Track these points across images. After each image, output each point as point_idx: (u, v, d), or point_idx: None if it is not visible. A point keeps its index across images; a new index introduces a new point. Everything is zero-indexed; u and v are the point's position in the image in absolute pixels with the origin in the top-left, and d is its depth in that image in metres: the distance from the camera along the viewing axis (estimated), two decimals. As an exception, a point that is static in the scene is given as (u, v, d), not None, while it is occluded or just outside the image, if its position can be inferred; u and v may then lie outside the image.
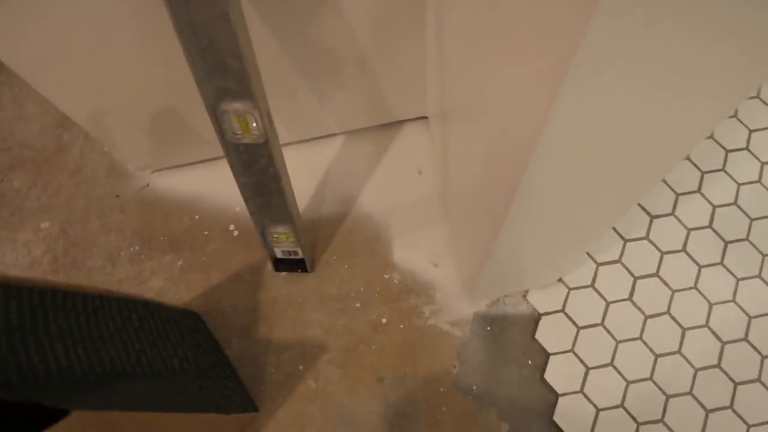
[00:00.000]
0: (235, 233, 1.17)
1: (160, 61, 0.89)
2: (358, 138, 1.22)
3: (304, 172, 1.20)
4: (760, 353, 1.07)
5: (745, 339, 1.08)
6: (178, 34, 0.71)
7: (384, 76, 1.03)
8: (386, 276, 1.11)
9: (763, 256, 1.14)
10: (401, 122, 1.23)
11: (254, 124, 0.84)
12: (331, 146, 1.22)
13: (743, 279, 1.12)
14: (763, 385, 1.05)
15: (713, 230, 1.15)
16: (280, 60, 0.95)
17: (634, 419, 1.02)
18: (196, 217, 1.19)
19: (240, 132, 0.85)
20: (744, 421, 1.02)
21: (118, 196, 1.21)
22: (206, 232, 1.17)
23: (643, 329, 1.07)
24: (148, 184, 1.22)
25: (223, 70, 0.76)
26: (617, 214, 0.73)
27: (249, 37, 0.76)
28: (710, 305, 1.10)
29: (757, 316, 1.09)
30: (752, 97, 1.26)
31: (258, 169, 0.91)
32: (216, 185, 1.19)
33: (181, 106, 0.99)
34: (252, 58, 0.79)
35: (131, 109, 0.99)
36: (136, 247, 1.16)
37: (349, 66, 0.99)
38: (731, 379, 1.05)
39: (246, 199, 0.96)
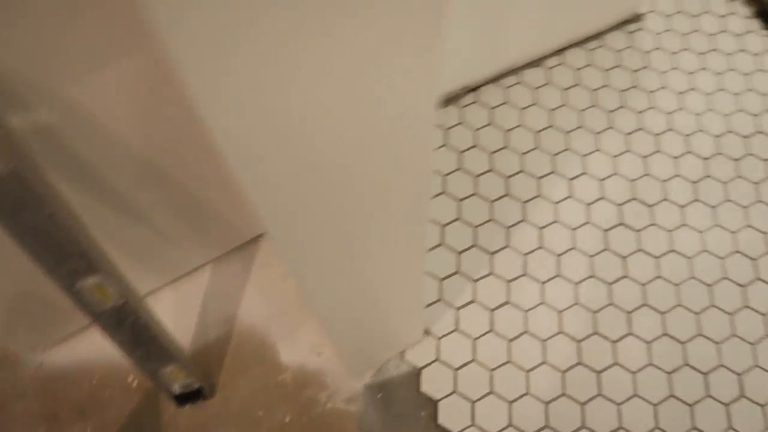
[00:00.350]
0: (134, 383, 1.24)
1: (8, 258, 0.98)
2: (224, 262, 1.34)
3: (184, 306, 1.30)
4: (609, 340, 1.24)
5: (596, 333, 1.25)
6: (17, 241, 0.82)
7: (218, 206, 1.17)
8: (280, 377, 1.22)
9: (591, 257, 1.32)
10: (258, 237, 1.36)
11: (110, 290, 0.94)
12: (202, 276, 1.33)
13: (580, 282, 1.30)
14: (604, 398, 1.22)
15: (545, 249, 1.33)
16: (120, 223, 1.06)
17: (523, 433, 1.15)
18: (95, 380, 1.26)
19: (100, 301, 0.95)
20: (613, 402, 1.18)
21: (14, 385, 1.26)
22: (107, 392, 1.24)
23: (509, 353, 1.22)
24: (41, 364, 1.28)
25: (67, 257, 0.87)
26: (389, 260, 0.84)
27: (80, 218, 0.88)
28: (559, 313, 1.26)
29: (599, 310, 1.27)
30: (546, 128, 1.47)
31: (128, 326, 1.01)
32: (105, 345, 1.27)
33: (42, 288, 1.08)
34: (89, 236, 0.90)
35: None
36: (44, 428, 1.22)
37: (185, 207, 1.12)
38: (593, 369, 1.21)
39: (128, 354, 1.06)
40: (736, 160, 1.44)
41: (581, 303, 1.27)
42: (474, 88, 1.51)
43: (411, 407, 1.17)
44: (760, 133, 1.48)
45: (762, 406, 1.20)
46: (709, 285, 1.30)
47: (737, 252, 1.34)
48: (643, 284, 1.30)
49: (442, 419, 1.16)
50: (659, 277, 1.31)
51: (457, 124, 1.46)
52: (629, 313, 1.27)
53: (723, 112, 1.50)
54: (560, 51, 1.57)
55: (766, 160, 1.45)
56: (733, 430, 1.17)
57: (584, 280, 1.30)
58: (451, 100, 1.49)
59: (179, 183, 1.08)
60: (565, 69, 1.55)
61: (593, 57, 1.57)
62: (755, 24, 1.63)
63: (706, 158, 1.44)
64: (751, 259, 1.33)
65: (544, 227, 1.35)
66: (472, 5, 1.22)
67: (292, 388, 1.20)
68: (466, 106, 1.49)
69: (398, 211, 0.72)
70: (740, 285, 1.31)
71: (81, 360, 1.27)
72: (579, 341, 1.23)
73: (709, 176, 1.42)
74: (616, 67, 1.56)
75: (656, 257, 1.33)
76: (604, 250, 1.33)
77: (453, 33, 1.24)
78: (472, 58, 1.41)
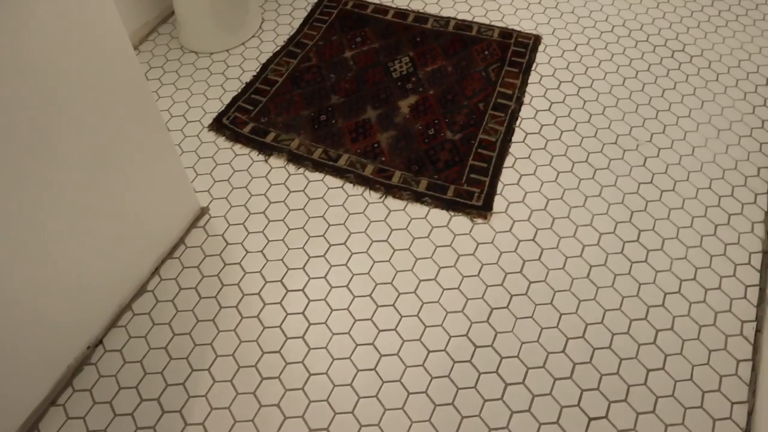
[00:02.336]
0: None
1: None
2: None
3: None
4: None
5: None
6: None
7: None
8: None
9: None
10: None
11: None
12: None
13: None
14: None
15: None
16: None
17: None
18: None
19: None
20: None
21: None
22: None
23: None
24: None
25: None
26: None
27: None
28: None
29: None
30: (172, 338, 1.61)
31: None
32: None
33: None
34: None
35: None
36: None
37: None
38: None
39: None
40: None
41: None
42: (98, 342, 1.60)
43: None
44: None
45: None
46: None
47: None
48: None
49: None
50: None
51: (99, 378, 1.53)
52: None
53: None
54: (156, 270, 1.75)
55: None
56: None
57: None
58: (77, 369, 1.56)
59: None
60: (166, 283, 1.72)
61: (185, 260, 1.77)
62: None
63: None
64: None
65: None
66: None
67: None
68: (99, 360, 1.57)
69: None
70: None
71: None
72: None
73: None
74: (206, 257, 1.77)
75: None
76: None
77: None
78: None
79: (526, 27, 2.41)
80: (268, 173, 1.94)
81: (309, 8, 2.51)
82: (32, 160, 1.22)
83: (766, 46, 2.33)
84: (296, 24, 2.44)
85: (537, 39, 2.31)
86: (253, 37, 2.38)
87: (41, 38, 1.15)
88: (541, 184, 1.89)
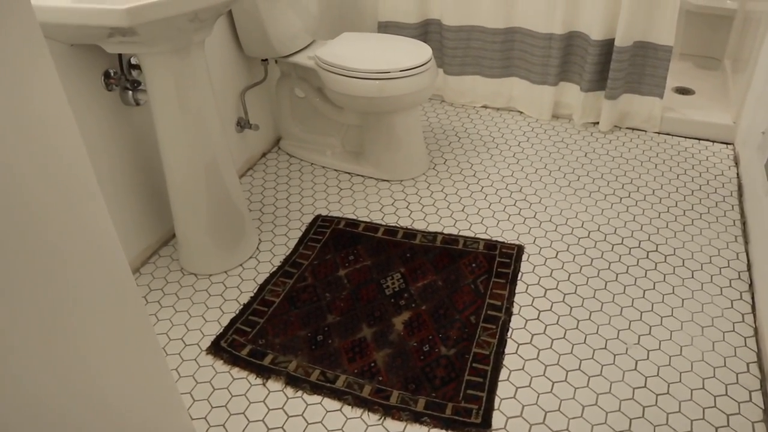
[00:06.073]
0: None
1: None
2: None
3: None
4: None
5: None
6: None
7: None
8: None
9: None
10: None
11: None
12: None
13: None
14: None
15: None
16: None
17: None
18: None
19: None
20: None
21: None
22: None
23: None
24: None
25: None
26: None
27: None
28: None
29: None
30: None
31: None
32: None
33: None
34: None
35: None
36: None
37: None
38: None
39: None
40: None
41: None
42: None
43: None
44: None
45: None
46: None
47: None
48: None
49: None
50: None
51: None
52: None
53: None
54: None
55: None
56: None
57: None
58: None
59: None
60: None
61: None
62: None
63: None
64: None
65: None
66: None
67: None
68: None
69: None
70: None
71: None
72: None
73: None
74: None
75: None
76: None
77: None
78: None
79: (509, 238, 2.57)
80: (266, 397, 1.95)
81: (303, 228, 2.67)
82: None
83: (732, 240, 2.49)
84: (292, 244, 2.59)
85: (520, 249, 2.46)
86: (250, 258, 2.51)
87: (35, 265, 1.19)
88: (538, 396, 1.91)
